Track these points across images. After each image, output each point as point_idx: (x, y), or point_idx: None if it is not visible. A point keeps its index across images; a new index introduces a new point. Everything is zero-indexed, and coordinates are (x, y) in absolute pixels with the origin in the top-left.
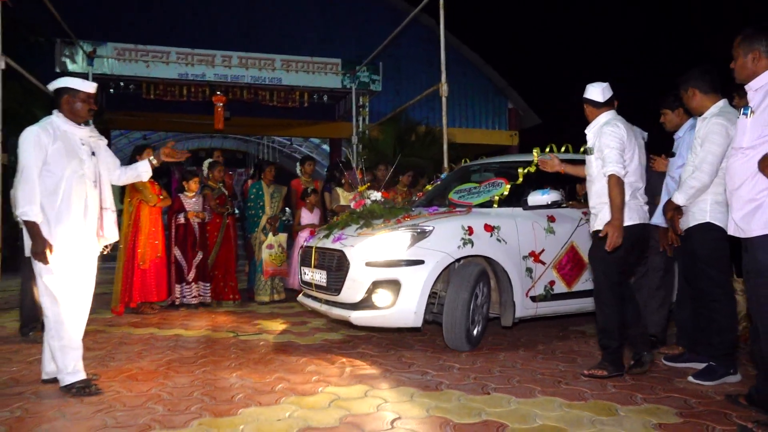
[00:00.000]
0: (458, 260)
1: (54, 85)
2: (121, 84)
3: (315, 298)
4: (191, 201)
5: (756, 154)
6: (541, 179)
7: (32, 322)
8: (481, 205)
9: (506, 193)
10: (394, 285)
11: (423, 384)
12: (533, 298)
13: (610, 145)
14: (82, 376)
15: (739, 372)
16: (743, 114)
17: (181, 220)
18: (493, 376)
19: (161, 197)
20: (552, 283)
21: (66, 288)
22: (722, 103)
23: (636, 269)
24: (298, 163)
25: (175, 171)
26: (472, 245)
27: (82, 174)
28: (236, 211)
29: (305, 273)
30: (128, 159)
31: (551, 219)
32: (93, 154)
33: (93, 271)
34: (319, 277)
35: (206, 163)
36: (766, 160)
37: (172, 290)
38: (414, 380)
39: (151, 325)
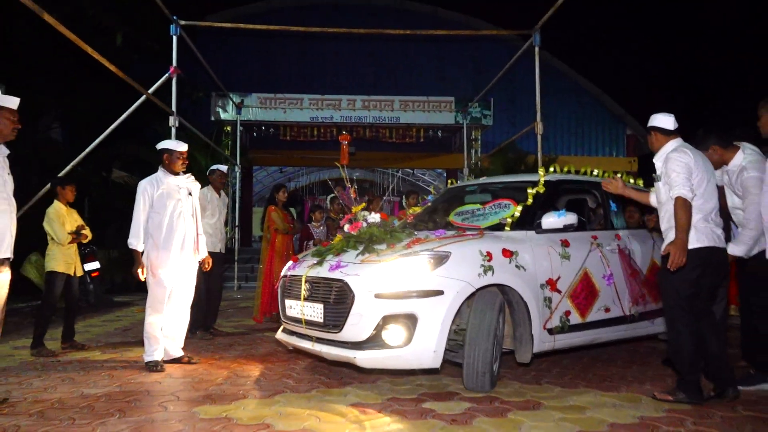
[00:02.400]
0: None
1: (158, 146)
2: (263, 128)
3: (303, 336)
4: (318, 230)
5: None
6: (548, 201)
7: (196, 325)
8: (491, 229)
9: (518, 214)
10: (410, 320)
11: None
12: (550, 331)
13: (675, 169)
14: (154, 358)
15: None
16: None
17: (310, 246)
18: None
19: (292, 226)
20: (568, 313)
21: (164, 297)
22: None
23: (717, 294)
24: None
25: (308, 201)
26: (493, 273)
27: (180, 211)
28: None
29: (291, 307)
30: (269, 194)
31: (565, 243)
32: (190, 194)
33: (192, 281)
34: (311, 311)
35: (329, 198)
36: None
37: None
38: None
39: None
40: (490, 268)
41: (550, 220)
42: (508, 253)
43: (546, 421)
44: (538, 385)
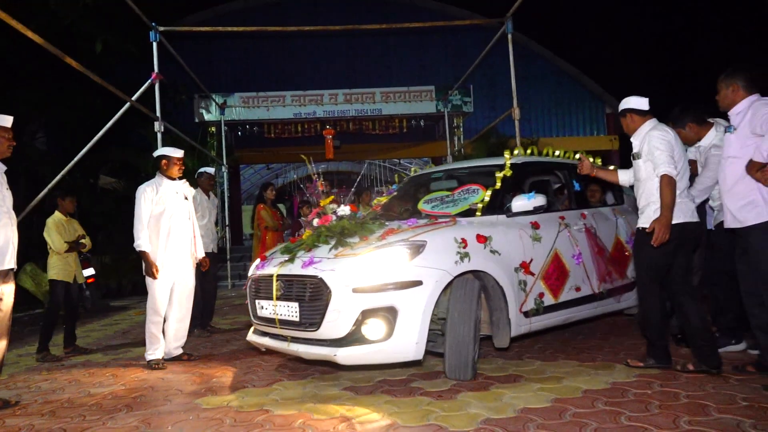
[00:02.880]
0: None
1: (156, 153)
2: (247, 127)
3: (277, 337)
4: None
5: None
6: (515, 184)
7: (193, 323)
8: (461, 215)
9: (487, 199)
10: (390, 313)
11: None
12: (526, 314)
13: (659, 147)
14: (155, 356)
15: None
16: (728, 131)
17: None
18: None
19: (281, 223)
20: (541, 295)
21: (164, 298)
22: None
23: (693, 268)
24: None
25: (297, 196)
26: (469, 259)
27: (178, 215)
28: None
29: (262, 307)
30: (257, 192)
31: (535, 226)
32: (186, 198)
33: (191, 282)
34: (285, 311)
35: (301, 202)
36: (751, 164)
37: None
38: None
39: None
40: (467, 254)
41: (520, 203)
42: (482, 239)
43: (525, 392)
44: (520, 360)
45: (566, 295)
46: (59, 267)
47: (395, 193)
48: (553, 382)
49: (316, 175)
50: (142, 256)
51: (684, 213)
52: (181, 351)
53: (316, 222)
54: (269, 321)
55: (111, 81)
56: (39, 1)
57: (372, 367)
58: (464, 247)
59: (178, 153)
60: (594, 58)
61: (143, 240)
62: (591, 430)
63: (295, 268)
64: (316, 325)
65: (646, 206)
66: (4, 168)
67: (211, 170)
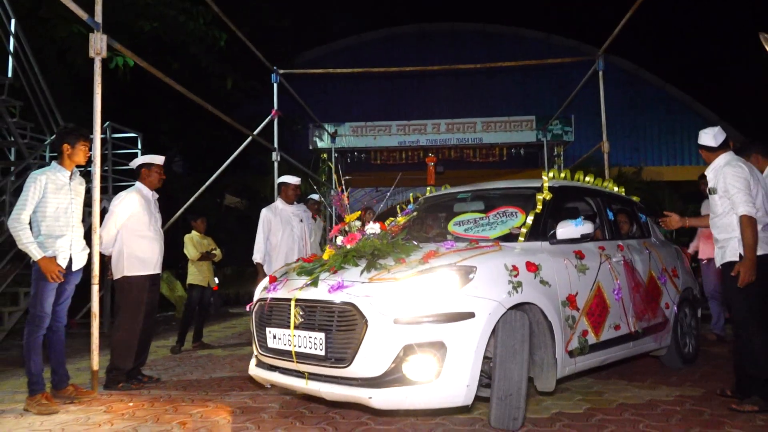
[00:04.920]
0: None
1: (278, 180)
2: (356, 153)
3: (291, 372)
4: None
5: None
6: (555, 209)
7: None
8: (501, 239)
9: (530, 222)
10: (437, 349)
11: None
12: (570, 353)
13: (736, 185)
14: None
15: None
16: None
17: None
18: None
19: None
20: (585, 333)
21: None
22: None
23: None
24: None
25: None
26: (521, 290)
27: (293, 235)
28: None
29: (275, 337)
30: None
31: (580, 255)
32: (301, 221)
33: None
34: (307, 342)
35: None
36: None
37: None
38: None
39: None
40: (519, 284)
41: (567, 229)
42: (532, 267)
43: (565, 401)
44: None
45: (606, 333)
46: (195, 273)
47: (414, 214)
48: (595, 395)
49: (341, 188)
50: (257, 267)
51: (766, 245)
52: None
53: (340, 240)
54: (283, 354)
55: (238, 113)
56: (182, 48)
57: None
58: (516, 276)
59: (295, 180)
60: (708, 85)
61: (258, 253)
62: (608, 431)
63: (320, 293)
64: (347, 360)
65: (727, 240)
66: (157, 195)
67: (315, 197)
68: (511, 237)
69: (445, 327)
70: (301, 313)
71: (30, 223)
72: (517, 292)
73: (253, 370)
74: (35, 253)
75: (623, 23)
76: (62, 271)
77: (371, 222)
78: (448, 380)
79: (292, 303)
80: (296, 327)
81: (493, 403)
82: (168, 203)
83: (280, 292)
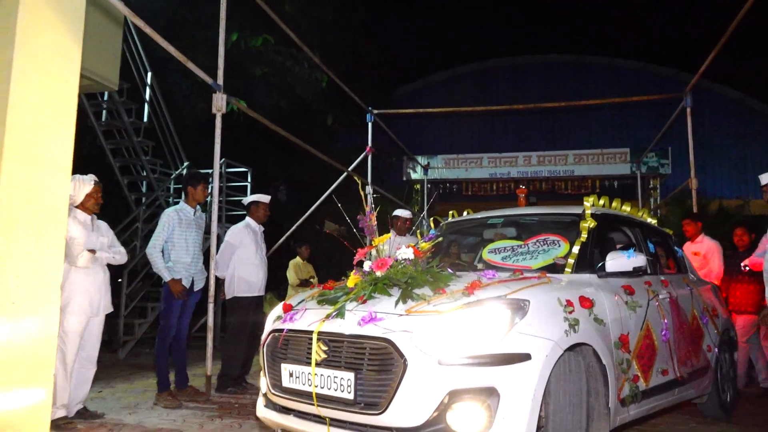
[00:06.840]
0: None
1: (394, 213)
2: (447, 185)
3: (308, 416)
4: None
5: None
6: (598, 238)
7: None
8: (544, 270)
9: (576, 252)
10: (488, 396)
11: None
12: (623, 401)
13: None
14: None
15: None
16: None
17: None
18: None
19: None
20: (636, 378)
21: None
22: None
23: None
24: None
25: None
26: (578, 328)
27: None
28: None
29: (292, 375)
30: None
31: (630, 291)
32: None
33: None
34: (332, 383)
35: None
36: None
37: None
38: None
39: None
40: (576, 322)
41: (618, 261)
42: (587, 303)
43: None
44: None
45: (654, 379)
46: (293, 297)
47: (439, 239)
48: (650, 426)
49: (369, 207)
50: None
51: None
52: None
53: (368, 266)
54: (300, 395)
55: (340, 143)
56: (289, 88)
57: None
58: (571, 312)
59: (405, 213)
60: None
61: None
62: None
63: (348, 325)
64: (380, 406)
65: None
66: (263, 228)
67: (403, 213)
68: (555, 268)
69: (498, 370)
70: (324, 348)
71: (162, 251)
72: (574, 330)
73: (262, 412)
74: (166, 276)
75: (712, 57)
76: (186, 291)
77: (407, 235)
78: None
79: (314, 336)
80: (318, 364)
81: None
82: (273, 229)
83: (299, 323)
